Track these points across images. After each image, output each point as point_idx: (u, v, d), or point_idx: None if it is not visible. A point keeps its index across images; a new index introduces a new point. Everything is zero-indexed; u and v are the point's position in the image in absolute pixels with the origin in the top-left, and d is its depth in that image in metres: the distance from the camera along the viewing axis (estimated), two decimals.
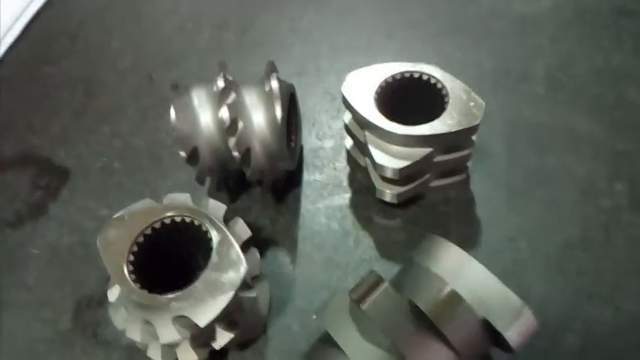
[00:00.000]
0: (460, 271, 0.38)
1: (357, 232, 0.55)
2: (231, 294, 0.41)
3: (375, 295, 0.38)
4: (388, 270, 0.46)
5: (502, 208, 0.55)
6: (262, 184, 0.56)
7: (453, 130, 0.48)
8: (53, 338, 0.51)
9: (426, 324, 0.37)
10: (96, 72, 0.73)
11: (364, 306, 0.37)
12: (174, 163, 0.60)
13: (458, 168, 0.54)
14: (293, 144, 0.58)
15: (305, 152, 0.61)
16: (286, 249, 0.54)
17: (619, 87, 0.63)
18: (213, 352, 0.47)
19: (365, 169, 0.56)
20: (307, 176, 0.59)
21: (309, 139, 0.62)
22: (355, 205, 0.57)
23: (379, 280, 0.39)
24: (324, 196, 0.57)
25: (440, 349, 0.37)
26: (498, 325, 0.36)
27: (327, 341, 0.40)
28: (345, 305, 0.40)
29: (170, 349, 0.45)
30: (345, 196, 0.57)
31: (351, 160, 0.58)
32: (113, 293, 0.46)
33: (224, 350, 0.48)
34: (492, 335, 0.38)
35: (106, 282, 0.47)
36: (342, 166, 0.60)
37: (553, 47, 0.68)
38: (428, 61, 0.52)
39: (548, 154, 0.58)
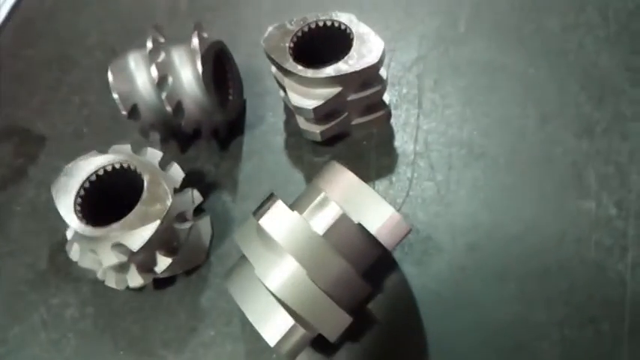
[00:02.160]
0: (340, 185, 0.45)
1: (289, 169, 0.61)
2: (157, 222, 0.48)
3: (269, 211, 0.44)
4: None
5: (420, 138, 0.60)
6: (201, 135, 0.62)
7: (354, 70, 0.53)
8: (33, 279, 0.59)
9: (318, 234, 0.43)
10: (68, 50, 0.81)
11: (260, 220, 0.44)
12: (132, 124, 0.67)
13: (375, 105, 0.60)
14: (231, 97, 0.64)
15: (248, 103, 0.68)
16: (227, 189, 0.61)
17: (539, 18, 0.67)
18: (164, 278, 0.55)
19: None
20: (249, 124, 0.66)
21: (252, 91, 0.68)
22: (289, 146, 0.63)
23: (274, 199, 0.45)
24: (263, 142, 0.64)
25: (329, 252, 0.43)
26: (370, 228, 0.42)
27: (243, 257, 0.47)
28: (254, 226, 0.46)
29: (122, 276, 0.53)
30: (280, 140, 0.64)
31: (285, 107, 0.64)
32: (70, 233, 0.54)
33: (173, 276, 0.56)
34: (373, 239, 0.44)
35: None
36: (280, 113, 0.66)
37: None
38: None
39: (466, 86, 0.63)
